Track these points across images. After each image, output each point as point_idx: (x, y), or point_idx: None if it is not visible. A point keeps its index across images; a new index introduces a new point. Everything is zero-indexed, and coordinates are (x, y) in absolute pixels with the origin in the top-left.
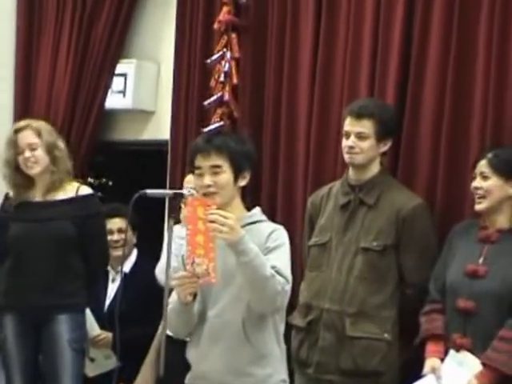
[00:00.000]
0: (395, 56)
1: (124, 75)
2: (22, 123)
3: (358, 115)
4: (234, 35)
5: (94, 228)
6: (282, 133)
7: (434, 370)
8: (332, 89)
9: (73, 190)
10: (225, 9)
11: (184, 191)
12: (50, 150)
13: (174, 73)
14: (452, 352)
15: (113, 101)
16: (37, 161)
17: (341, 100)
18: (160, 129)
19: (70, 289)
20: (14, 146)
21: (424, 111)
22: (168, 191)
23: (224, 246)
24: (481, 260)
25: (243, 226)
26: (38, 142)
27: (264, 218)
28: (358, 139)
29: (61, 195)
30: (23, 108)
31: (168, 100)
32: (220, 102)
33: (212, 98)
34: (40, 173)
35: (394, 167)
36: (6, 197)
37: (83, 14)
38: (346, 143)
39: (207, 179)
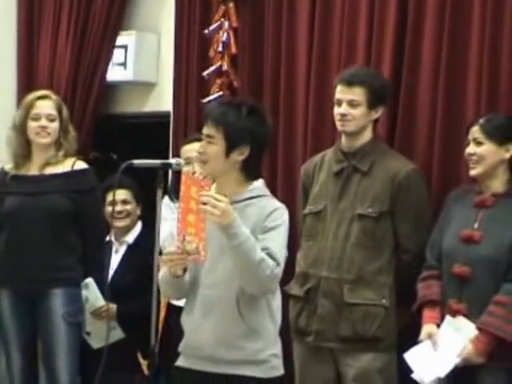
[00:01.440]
0: (391, 25)
1: (124, 47)
2: (45, 92)
3: (349, 83)
4: (231, 5)
5: (88, 203)
6: (281, 101)
7: (430, 336)
8: (330, 57)
9: (69, 164)
10: None
11: (172, 161)
12: (65, 126)
13: (174, 44)
14: (448, 318)
15: (114, 73)
16: (51, 132)
17: (338, 68)
18: (162, 100)
19: (65, 263)
20: (29, 110)
21: (421, 80)
22: (155, 161)
23: None
24: (476, 225)
25: (243, 200)
26: (56, 115)
27: (267, 192)
28: (350, 107)
29: (57, 169)
30: (26, 82)
31: (169, 71)
32: (219, 72)
33: (211, 69)
34: (46, 145)
35: (392, 136)
36: (2, 170)
37: None
38: (337, 111)
39: (200, 146)
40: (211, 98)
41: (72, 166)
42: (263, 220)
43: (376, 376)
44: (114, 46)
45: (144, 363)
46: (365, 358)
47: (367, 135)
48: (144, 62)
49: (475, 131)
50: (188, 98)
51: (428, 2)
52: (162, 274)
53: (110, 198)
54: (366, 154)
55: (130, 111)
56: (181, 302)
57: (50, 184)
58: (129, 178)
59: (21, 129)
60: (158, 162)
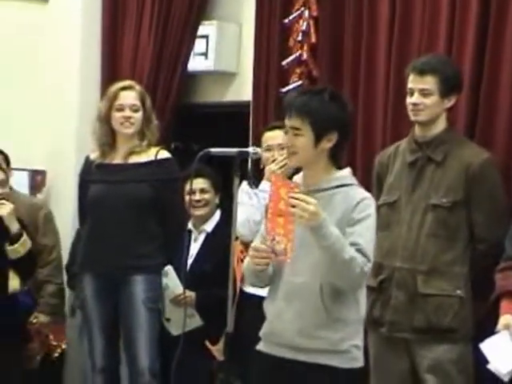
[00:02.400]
0: (473, 12)
1: (206, 37)
2: (129, 82)
3: (421, 72)
4: None
5: (170, 191)
6: (360, 91)
7: (507, 327)
8: (410, 47)
9: (152, 153)
10: None
11: (249, 149)
12: (148, 116)
13: (254, 33)
14: None
15: (195, 63)
16: (134, 122)
17: (419, 56)
18: (242, 90)
19: (146, 250)
20: (113, 101)
21: (503, 69)
22: (232, 149)
23: None
24: None
25: (331, 189)
26: (140, 106)
27: (354, 181)
28: (422, 96)
29: (140, 158)
30: (110, 74)
31: (249, 61)
32: (299, 61)
33: (290, 58)
34: (130, 135)
35: (472, 126)
36: (87, 159)
37: None
38: (409, 100)
39: (287, 139)
40: (290, 87)
41: (155, 155)
42: (351, 211)
43: (451, 367)
44: (195, 36)
45: (214, 349)
46: (439, 348)
47: (441, 124)
48: (225, 51)
49: None
50: (268, 88)
51: None
52: (247, 262)
53: (188, 186)
54: (439, 144)
55: (211, 101)
56: (253, 290)
57: (134, 173)
58: (207, 167)
59: (105, 119)
60: (235, 150)
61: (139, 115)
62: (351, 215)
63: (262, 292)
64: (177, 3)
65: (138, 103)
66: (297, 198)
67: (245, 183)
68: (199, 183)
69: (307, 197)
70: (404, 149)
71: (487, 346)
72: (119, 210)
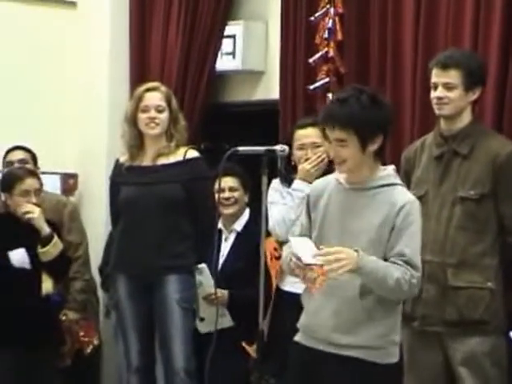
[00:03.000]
0: (499, 7)
1: (233, 37)
2: (154, 84)
3: (444, 65)
4: None
5: (201, 190)
6: (387, 87)
7: None
8: (436, 41)
9: (181, 153)
10: None
11: (277, 147)
12: (175, 117)
13: (280, 31)
14: None
15: (223, 63)
16: (160, 123)
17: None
18: (270, 88)
19: (179, 250)
20: (139, 102)
21: None
22: (260, 148)
23: (343, 210)
24: None
25: (374, 188)
26: (165, 106)
27: (398, 180)
28: (446, 90)
29: (169, 159)
30: (138, 75)
31: (277, 59)
32: (325, 58)
33: (317, 55)
34: (156, 136)
35: (500, 119)
36: (117, 162)
37: None
38: (434, 94)
39: (333, 151)
40: (318, 84)
41: (184, 156)
42: (394, 216)
43: (484, 359)
44: (222, 36)
45: (251, 349)
46: (472, 341)
47: (466, 118)
48: (252, 50)
49: None
50: (295, 85)
51: None
52: (285, 255)
53: (217, 185)
54: (465, 137)
55: (240, 100)
56: (290, 287)
57: (164, 173)
58: (237, 165)
59: (132, 121)
60: (263, 148)
61: (165, 116)
62: (395, 221)
63: (300, 289)
64: (203, 3)
65: (163, 104)
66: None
67: (276, 181)
68: (228, 181)
69: (332, 249)
70: (430, 143)
71: None
72: (151, 211)
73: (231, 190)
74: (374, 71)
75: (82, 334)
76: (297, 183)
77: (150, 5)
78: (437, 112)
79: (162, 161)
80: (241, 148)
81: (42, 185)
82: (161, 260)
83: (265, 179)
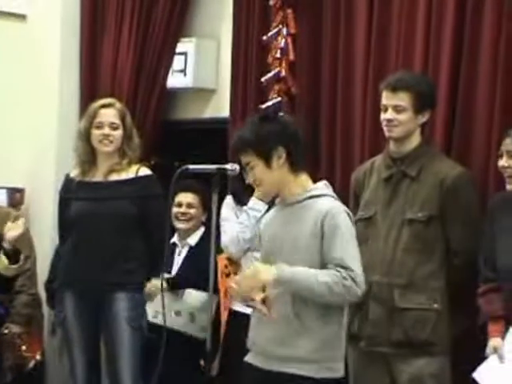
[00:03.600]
0: (449, 28)
1: (184, 54)
2: (109, 100)
3: (394, 88)
4: (289, 11)
5: (153, 208)
6: (338, 107)
7: (496, 350)
8: (387, 62)
9: (133, 170)
10: None
11: (227, 166)
12: (129, 134)
13: (232, 50)
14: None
15: (174, 80)
16: (113, 140)
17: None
18: (221, 107)
19: (128, 267)
20: (93, 118)
21: (478, 85)
22: (211, 166)
23: (280, 225)
24: None
25: (304, 200)
26: (119, 123)
27: (328, 191)
28: (396, 112)
29: (121, 176)
30: (89, 90)
31: (228, 78)
32: (277, 78)
33: (269, 75)
34: (110, 153)
35: (449, 141)
36: (67, 177)
37: None
38: (384, 117)
39: (248, 177)
40: (269, 103)
41: (136, 173)
42: (321, 223)
43: (429, 381)
44: (174, 53)
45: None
46: (418, 362)
47: (415, 140)
48: (203, 68)
49: (508, 143)
50: (246, 104)
51: (486, 1)
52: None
53: (176, 199)
54: (414, 159)
55: (190, 117)
56: (241, 308)
57: (116, 190)
58: (200, 183)
59: (85, 137)
60: (214, 167)
61: (119, 133)
62: (323, 229)
63: (250, 310)
64: (155, 20)
65: (117, 121)
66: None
67: (229, 197)
68: (188, 197)
69: (247, 272)
70: (379, 164)
71: (480, 374)
72: (101, 227)
73: (189, 206)
74: (326, 91)
75: (24, 348)
76: (253, 202)
77: (102, 20)
78: (386, 134)
79: (114, 177)
80: (191, 166)
81: None
82: (110, 277)
83: (215, 197)
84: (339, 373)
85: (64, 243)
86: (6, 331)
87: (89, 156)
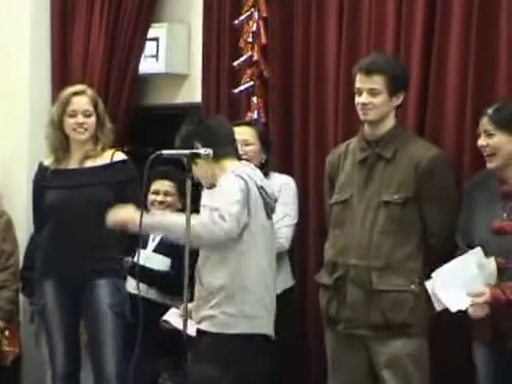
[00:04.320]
0: (420, 10)
1: (156, 39)
2: (80, 87)
3: (368, 71)
4: None
5: (130, 192)
6: (311, 91)
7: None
8: (359, 44)
9: (107, 156)
10: None
11: (201, 150)
12: (102, 120)
13: (203, 35)
14: (477, 249)
15: (146, 66)
16: (88, 128)
17: (368, 54)
18: (194, 92)
19: (108, 254)
20: (65, 106)
21: (449, 66)
22: (184, 151)
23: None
24: (505, 215)
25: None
26: (92, 110)
27: (234, 169)
28: (370, 95)
29: (96, 162)
30: (60, 77)
31: (200, 62)
32: (250, 62)
33: (241, 59)
34: (84, 140)
35: (422, 123)
36: (41, 165)
37: None
38: (358, 100)
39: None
40: (242, 88)
41: (111, 158)
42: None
43: (407, 361)
44: (145, 39)
45: None
46: (395, 344)
47: (390, 122)
48: (175, 53)
49: (485, 123)
50: (219, 89)
51: None
52: None
53: (154, 186)
54: (389, 142)
55: (163, 103)
56: None
57: (91, 176)
58: (177, 170)
59: (58, 125)
60: (187, 152)
61: (92, 120)
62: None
63: None
64: (126, 6)
65: (90, 108)
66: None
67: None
68: (165, 185)
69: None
70: (354, 147)
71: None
72: (80, 215)
73: (166, 194)
74: (298, 75)
75: (5, 343)
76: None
77: (72, 6)
78: (362, 117)
79: (89, 164)
80: (165, 151)
81: None
82: (91, 264)
83: (189, 182)
84: (235, 329)
85: (40, 231)
86: None
87: (62, 143)
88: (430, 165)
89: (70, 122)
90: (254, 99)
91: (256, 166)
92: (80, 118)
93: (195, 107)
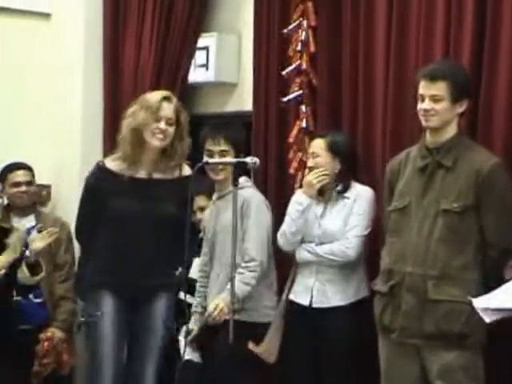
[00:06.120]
0: (469, 17)
1: (206, 48)
2: (167, 93)
3: (432, 78)
4: (309, 4)
5: (189, 209)
6: (359, 99)
7: None
8: (407, 52)
9: (176, 169)
10: None
11: (247, 159)
12: (181, 132)
13: (253, 44)
14: None
15: (196, 75)
16: (167, 136)
17: (416, 63)
18: (243, 100)
19: (168, 268)
20: (153, 111)
21: (500, 71)
22: (231, 160)
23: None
24: None
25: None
26: (174, 120)
27: (248, 184)
28: (433, 102)
29: (166, 174)
30: (112, 88)
31: (250, 71)
32: (298, 70)
33: (290, 67)
34: (159, 148)
35: (473, 130)
36: (102, 166)
37: None
38: (421, 106)
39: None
40: (291, 96)
41: (180, 172)
42: (240, 210)
43: (461, 373)
44: (195, 48)
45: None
46: (449, 355)
47: (452, 130)
48: (225, 62)
49: None
50: (268, 97)
51: None
52: None
53: (199, 202)
54: (450, 149)
55: (213, 112)
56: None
57: (162, 190)
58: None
59: (139, 129)
60: (234, 160)
61: (173, 130)
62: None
63: None
64: (176, 15)
65: (174, 117)
66: None
67: (298, 192)
68: (200, 201)
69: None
70: (415, 155)
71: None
72: (146, 228)
73: (202, 209)
74: (347, 83)
75: (65, 353)
76: (297, 195)
77: (124, 16)
78: (424, 124)
79: (158, 175)
80: (211, 160)
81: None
82: (154, 279)
83: (237, 191)
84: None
85: (88, 235)
86: (48, 334)
87: (135, 150)
88: (490, 174)
89: (152, 126)
90: (303, 108)
91: (331, 176)
92: (163, 125)
93: (245, 116)
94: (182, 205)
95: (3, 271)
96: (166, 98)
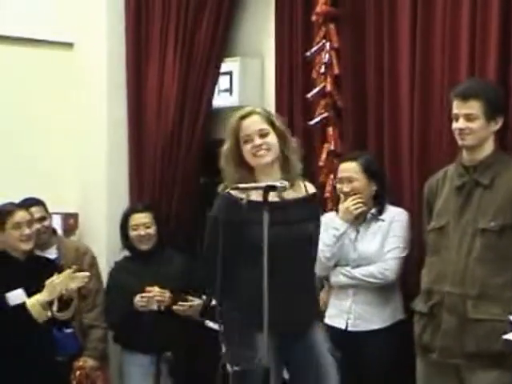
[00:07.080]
0: (494, 38)
1: (229, 73)
2: (247, 109)
3: (465, 97)
4: (332, 26)
5: (319, 229)
6: (385, 120)
7: None
8: (432, 73)
9: (300, 186)
10: (322, 0)
11: (276, 183)
12: (284, 138)
13: (275, 68)
14: None
15: (220, 99)
16: (269, 148)
17: (442, 84)
18: None
19: (315, 295)
20: (238, 133)
21: None
22: (260, 184)
23: None
24: None
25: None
26: (268, 128)
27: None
28: (467, 121)
29: (296, 192)
30: (136, 114)
31: (273, 95)
32: (323, 93)
33: (315, 90)
34: (269, 164)
35: (503, 146)
36: (229, 197)
37: (187, 16)
38: (455, 125)
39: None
40: (317, 119)
41: (305, 188)
42: None
43: None
44: (218, 73)
45: None
46: (490, 375)
47: (488, 148)
48: (249, 87)
49: None
50: (293, 121)
51: None
52: None
53: None
54: (487, 167)
55: None
56: None
57: (296, 210)
58: None
59: (234, 155)
60: (263, 184)
61: (271, 139)
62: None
63: None
64: (199, 41)
65: (265, 127)
66: None
67: (329, 215)
68: None
69: None
70: (452, 173)
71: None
72: (293, 255)
73: None
74: (372, 104)
75: (99, 382)
76: (329, 219)
77: (146, 43)
78: (459, 143)
79: (288, 195)
80: (241, 185)
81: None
82: (309, 309)
83: (266, 215)
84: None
85: (224, 272)
86: (80, 363)
87: (243, 175)
88: None
89: (247, 148)
90: (330, 130)
91: (369, 199)
92: (257, 140)
93: None
94: (316, 224)
95: (50, 313)
96: (242, 117)
